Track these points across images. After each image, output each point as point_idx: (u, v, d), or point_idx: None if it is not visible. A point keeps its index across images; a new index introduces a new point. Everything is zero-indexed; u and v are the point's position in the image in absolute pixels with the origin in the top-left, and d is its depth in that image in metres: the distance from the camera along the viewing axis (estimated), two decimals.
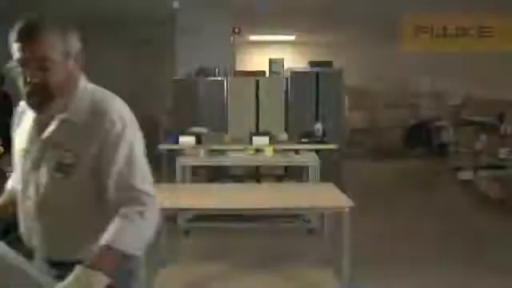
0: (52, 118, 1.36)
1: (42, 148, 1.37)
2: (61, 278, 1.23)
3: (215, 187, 4.31)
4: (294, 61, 8.73)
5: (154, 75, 9.78)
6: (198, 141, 5.00)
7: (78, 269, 1.17)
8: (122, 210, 1.28)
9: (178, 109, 6.46)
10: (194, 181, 5.19)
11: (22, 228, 1.47)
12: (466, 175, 7.05)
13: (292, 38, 9.72)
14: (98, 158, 1.32)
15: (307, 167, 4.85)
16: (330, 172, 4.85)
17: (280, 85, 6.52)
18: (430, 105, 10.55)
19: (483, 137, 6.30)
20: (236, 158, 4.82)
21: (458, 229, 5.04)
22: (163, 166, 5.58)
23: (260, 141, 4.99)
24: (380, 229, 4.91)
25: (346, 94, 6.92)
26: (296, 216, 4.95)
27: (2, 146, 4.45)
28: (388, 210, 5.70)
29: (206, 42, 6.57)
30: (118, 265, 1.23)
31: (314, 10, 6.84)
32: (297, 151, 4.94)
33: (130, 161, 1.33)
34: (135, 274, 1.46)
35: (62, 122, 1.35)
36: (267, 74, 6.79)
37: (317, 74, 6.59)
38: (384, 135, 10.36)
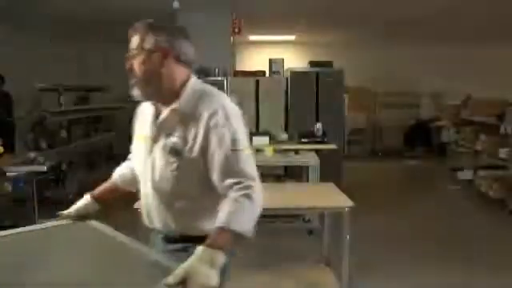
0: (166, 107, 1.57)
1: (156, 134, 1.57)
2: (176, 252, 1.50)
3: None
4: (294, 61, 8.73)
5: None
6: None
7: (199, 249, 1.31)
8: (232, 194, 1.43)
9: None
10: None
11: (143, 207, 1.67)
12: (466, 175, 7.05)
13: (292, 37, 9.71)
14: (204, 145, 1.48)
15: (307, 167, 4.85)
16: (330, 172, 4.84)
17: (280, 85, 6.52)
18: (430, 105, 10.56)
19: (483, 137, 6.30)
20: None
21: (458, 229, 5.04)
22: None
23: (260, 141, 4.99)
24: (380, 229, 4.91)
25: (346, 93, 6.92)
26: (296, 216, 4.94)
27: (2, 145, 4.46)
28: (388, 210, 5.70)
29: (205, 42, 6.55)
30: (232, 244, 1.38)
31: (314, 10, 6.83)
32: (297, 151, 4.94)
33: (234, 147, 1.47)
34: (228, 273, 1.53)
35: (173, 112, 1.54)
36: (267, 74, 6.79)
37: (317, 74, 6.59)
38: (384, 135, 10.37)
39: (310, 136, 5.15)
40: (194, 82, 1.59)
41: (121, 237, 1.64)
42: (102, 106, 8.22)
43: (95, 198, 1.82)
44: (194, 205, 1.56)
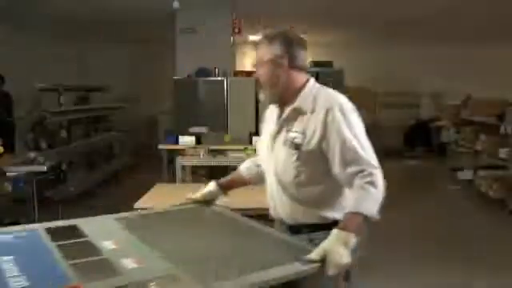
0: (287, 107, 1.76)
1: (279, 130, 1.76)
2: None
3: None
4: None
5: (154, 75, 9.79)
6: (198, 141, 5.00)
7: (334, 231, 1.49)
8: (357, 182, 1.58)
9: (178, 109, 6.46)
10: (193, 181, 5.18)
11: (268, 198, 1.86)
12: (466, 175, 7.05)
13: None
14: (323, 139, 1.64)
15: None
16: None
17: None
18: (430, 105, 10.57)
19: (483, 137, 6.30)
20: (236, 157, 4.81)
21: (458, 229, 5.04)
22: (163, 166, 5.58)
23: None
24: (380, 228, 4.91)
25: (346, 93, 6.91)
26: None
27: (2, 145, 4.46)
28: (388, 209, 5.68)
29: (206, 42, 6.56)
30: (361, 227, 1.55)
31: (314, 10, 6.83)
32: None
33: (353, 139, 1.62)
34: (357, 254, 1.65)
35: (293, 110, 1.73)
36: None
37: (317, 74, 6.58)
38: (384, 135, 10.37)
39: None
40: (311, 83, 1.78)
41: (248, 220, 1.90)
42: (101, 106, 8.22)
43: (221, 186, 2.07)
44: (313, 193, 1.72)
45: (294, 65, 1.73)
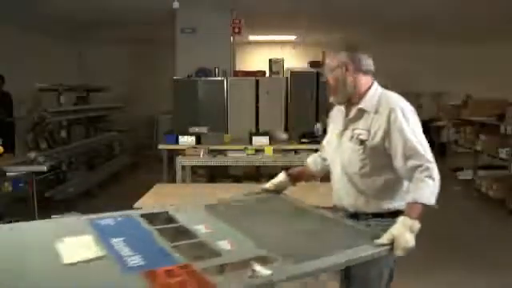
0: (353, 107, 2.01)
1: (346, 128, 2.01)
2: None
3: (215, 187, 4.31)
4: (294, 61, 8.73)
5: (153, 75, 9.78)
6: (198, 141, 5.00)
7: (401, 218, 1.73)
8: (417, 176, 1.81)
9: (178, 109, 6.46)
10: (193, 181, 5.18)
11: (333, 189, 2.10)
12: (466, 175, 7.04)
13: (292, 38, 9.71)
14: (386, 136, 1.88)
15: None
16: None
17: (280, 85, 6.52)
18: (430, 105, 10.56)
19: (483, 137, 6.29)
20: (236, 157, 4.81)
21: (458, 229, 5.04)
22: (163, 166, 5.58)
23: (260, 141, 4.99)
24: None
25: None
26: None
27: (2, 145, 4.45)
28: None
29: (205, 42, 6.56)
30: (421, 214, 1.77)
31: (314, 10, 6.83)
32: (296, 151, 4.94)
33: (414, 138, 1.85)
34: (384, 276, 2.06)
35: (359, 111, 1.97)
36: (267, 74, 6.79)
37: (317, 74, 6.59)
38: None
39: (310, 136, 5.15)
40: (375, 87, 2.01)
41: (316, 208, 2.14)
42: (101, 106, 8.22)
43: (290, 177, 2.31)
44: (375, 184, 1.95)
45: (359, 69, 1.98)
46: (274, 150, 4.84)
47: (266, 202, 2.26)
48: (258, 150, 4.84)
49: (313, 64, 6.78)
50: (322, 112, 6.47)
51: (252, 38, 9.47)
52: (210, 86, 6.45)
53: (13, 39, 7.37)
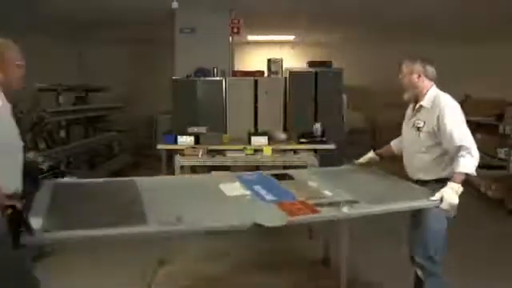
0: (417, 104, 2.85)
1: (411, 119, 2.86)
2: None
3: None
4: (292, 61, 8.73)
5: (153, 75, 9.78)
6: (197, 141, 5.00)
7: (449, 183, 2.50)
8: (460, 153, 2.55)
9: (177, 109, 6.46)
10: None
11: (404, 163, 2.93)
12: None
13: (291, 37, 9.71)
14: (437, 125, 2.66)
15: (306, 167, 4.84)
16: None
17: (279, 85, 6.53)
18: None
19: (482, 137, 6.29)
20: (235, 157, 4.81)
21: (457, 229, 5.03)
22: (162, 166, 5.58)
23: (259, 141, 4.99)
24: (379, 229, 4.91)
25: (346, 93, 6.91)
26: None
27: None
28: None
29: (204, 42, 6.57)
30: (463, 180, 2.52)
31: (314, 10, 6.83)
32: (295, 151, 4.94)
33: (458, 126, 2.62)
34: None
35: (420, 106, 2.79)
36: (266, 74, 6.79)
37: (316, 74, 6.59)
38: (383, 135, 10.34)
39: (309, 136, 5.15)
40: (433, 89, 2.80)
41: (391, 176, 3.05)
42: (101, 106, 8.22)
43: (377, 154, 3.24)
44: (428, 159, 2.74)
45: (425, 76, 2.78)
46: (273, 150, 4.84)
47: (359, 171, 3.20)
48: (257, 150, 4.84)
49: (312, 64, 6.78)
50: (321, 112, 6.48)
51: (251, 37, 9.47)
52: (209, 86, 6.45)
53: (13, 39, 7.36)
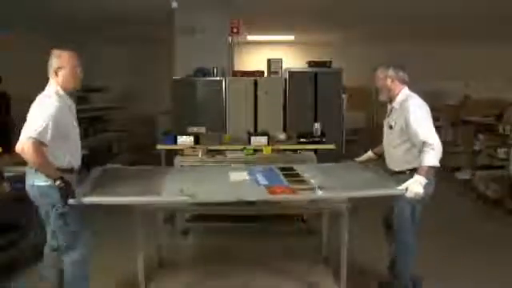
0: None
1: (387, 119, 3.30)
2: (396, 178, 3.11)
3: None
4: (292, 61, 8.73)
5: (152, 75, 9.78)
6: (197, 141, 5.00)
7: (415, 176, 2.91)
8: (424, 148, 2.94)
9: (177, 109, 6.46)
10: None
11: (385, 157, 3.34)
12: (464, 175, 7.05)
13: (291, 37, 9.71)
14: (405, 123, 3.03)
15: None
16: None
17: (278, 85, 6.52)
18: (429, 104, 10.56)
19: (482, 137, 6.31)
20: (234, 157, 4.81)
21: (456, 228, 5.05)
22: (161, 166, 5.57)
23: (258, 141, 4.99)
24: (379, 229, 4.91)
25: (345, 93, 6.91)
26: (293, 216, 4.95)
27: (0, 146, 4.45)
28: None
29: (204, 42, 6.56)
30: (429, 173, 2.94)
31: (314, 10, 6.83)
32: (295, 151, 4.94)
33: (422, 125, 2.99)
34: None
35: (392, 107, 3.22)
36: (266, 74, 6.78)
37: (315, 74, 6.59)
38: (383, 135, 10.33)
39: (309, 136, 5.14)
40: (404, 91, 3.19)
41: (378, 170, 3.37)
42: (100, 106, 8.21)
43: (374, 153, 3.57)
44: (400, 152, 3.13)
45: (397, 79, 3.18)
46: (273, 150, 4.84)
47: (355, 166, 3.60)
48: (257, 150, 4.84)
49: (311, 64, 6.78)
50: (320, 112, 6.48)
51: (250, 37, 9.47)
52: (209, 86, 6.45)
53: (13, 39, 7.36)
